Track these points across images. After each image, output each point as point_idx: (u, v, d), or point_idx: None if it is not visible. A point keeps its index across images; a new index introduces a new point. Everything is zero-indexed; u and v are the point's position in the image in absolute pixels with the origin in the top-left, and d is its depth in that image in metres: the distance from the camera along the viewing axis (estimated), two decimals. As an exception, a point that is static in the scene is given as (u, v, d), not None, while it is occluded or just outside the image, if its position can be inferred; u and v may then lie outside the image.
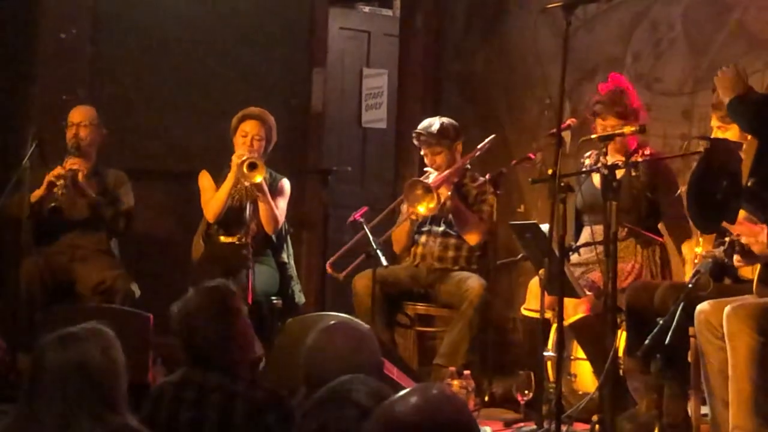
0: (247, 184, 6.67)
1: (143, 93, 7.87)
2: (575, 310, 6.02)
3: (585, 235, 6.22)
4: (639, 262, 6.12)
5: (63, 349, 3.18)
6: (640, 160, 6.07)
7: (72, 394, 3.12)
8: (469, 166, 6.85)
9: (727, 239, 5.10)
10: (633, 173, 6.07)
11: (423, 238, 6.89)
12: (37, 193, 6.66)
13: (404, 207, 6.80)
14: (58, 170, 6.68)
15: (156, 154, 7.90)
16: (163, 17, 7.92)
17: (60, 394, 3.12)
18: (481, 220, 6.72)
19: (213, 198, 6.86)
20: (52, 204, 6.62)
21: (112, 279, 6.62)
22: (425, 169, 6.90)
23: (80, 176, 6.74)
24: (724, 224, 5.08)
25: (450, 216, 6.77)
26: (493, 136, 6.84)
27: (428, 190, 6.54)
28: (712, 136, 5.58)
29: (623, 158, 6.07)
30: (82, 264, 6.76)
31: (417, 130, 6.85)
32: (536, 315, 5.86)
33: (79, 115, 6.97)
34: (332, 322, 3.67)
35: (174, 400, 3.83)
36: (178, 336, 3.96)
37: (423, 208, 6.57)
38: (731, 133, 5.58)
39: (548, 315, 5.89)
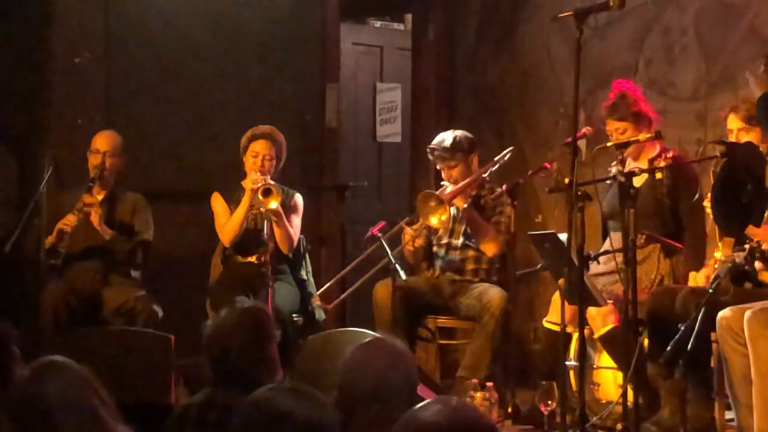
0: (262, 210, 6.68)
1: (157, 114, 7.88)
2: (604, 322, 6.02)
3: (607, 242, 6.21)
4: (661, 273, 6.10)
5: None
6: (663, 164, 6.06)
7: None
8: (488, 178, 6.84)
9: (747, 245, 5.08)
10: (657, 176, 6.04)
11: (442, 251, 6.89)
12: (50, 240, 6.67)
13: (406, 231, 6.75)
14: (69, 219, 6.66)
15: (172, 175, 7.90)
16: (175, 39, 7.94)
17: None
18: (498, 231, 6.70)
19: (228, 222, 6.87)
20: (61, 256, 6.61)
21: (134, 301, 6.63)
22: (442, 183, 6.90)
23: (94, 217, 6.70)
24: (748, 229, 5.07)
25: (468, 228, 6.77)
26: (511, 148, 6.83)
27: (441, 202, 6.54)
28: (729, 140, 5.57)
29: (641, 165, 6.06)
30: (105, 287, 6.77)
31: (431, 146, 6.85)
32: (558, 328, 5.85)
33: (107, 144, 6.92)
34: (369, 339, 3.67)
35: (198, 421, 3.84)
36: (209, 353, 3.96)
37: (435, 220, 6.57)
38: (753, 135, 5.57)
39: (570, 330, 5.88)
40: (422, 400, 3.60)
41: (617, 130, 6.11)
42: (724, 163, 5.05)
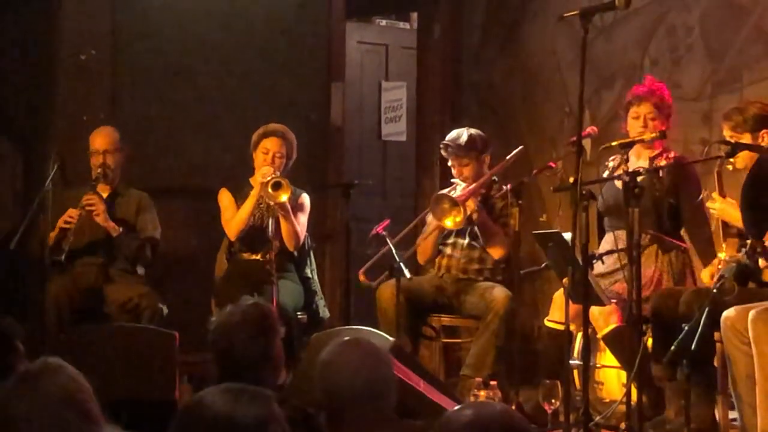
0: (271, 203, 6.68)
1: (163, 112, 7.90)
2: (606, 322, 6.01)
3: (608, 241, 6.20)
4: (659, 268, 6.10)
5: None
6: (663, 164, 6.07)
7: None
8: (495, 178, 6.82)
9: (748, 242, 5.08)
10: (657, 176, 6.05)
11: (448, 250, 6.88)
12: (53, 236, 6.69)
13: (430, 218, 6.78)
14: (70, 213, 6.68)
15: (177, 172, 7.92)
16: (181, 36, 7.95)
17: None
18: (506, 234, 6.68)
19: (234, 217, 6.87)
20: (64, 253, 6.61)
21: (139, 297, 6.64)
22: (452, 180, 6.87)
23: (100, 217, 6.74)
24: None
25: (475, 228, 6.75)
26: (520, 147, 6.80)
27: (455, 203, 6.52)
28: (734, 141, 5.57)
29: (642, 161, 6.07)
30: (109, 283, 6.78)
31: (445, 141, 6.82)
32: (559, 327, 5.85)
33: (103, 142, 6.95)
34: (346, 338, 3.68)
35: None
36: (214, 349, 3.97)
37: (450, 222, 6.54)
38: (744, 141, 5.57)
39: (573, 327, 5.87)
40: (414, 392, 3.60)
41: (648, 114, 6.09)
42: (753, 165, 5.05)
